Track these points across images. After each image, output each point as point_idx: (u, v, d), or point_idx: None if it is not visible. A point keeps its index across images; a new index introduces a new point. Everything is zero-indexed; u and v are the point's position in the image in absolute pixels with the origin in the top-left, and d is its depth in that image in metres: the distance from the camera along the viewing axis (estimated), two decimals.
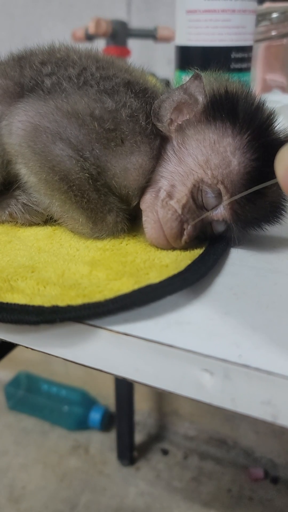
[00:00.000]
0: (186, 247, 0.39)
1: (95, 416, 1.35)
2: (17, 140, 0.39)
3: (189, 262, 0.36)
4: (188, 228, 0.38)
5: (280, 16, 0.77)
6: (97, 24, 0.93)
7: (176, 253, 0.39)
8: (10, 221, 0.43)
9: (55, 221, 0.42)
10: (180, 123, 0.39)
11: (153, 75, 0.88)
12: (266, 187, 0.37)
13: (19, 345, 0.33)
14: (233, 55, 0.60)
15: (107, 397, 1.38)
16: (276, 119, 0.39)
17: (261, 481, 1.22)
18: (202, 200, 0.38)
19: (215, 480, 1.23)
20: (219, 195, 0.38)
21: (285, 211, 0.40)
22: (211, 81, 0.40)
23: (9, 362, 1.38)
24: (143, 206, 0.40)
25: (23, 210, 0.42)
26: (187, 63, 0.62)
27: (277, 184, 0.37)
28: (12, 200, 0.43)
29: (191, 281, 0.33)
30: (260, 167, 0.37)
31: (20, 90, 0.42)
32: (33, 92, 0.42)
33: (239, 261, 0.38)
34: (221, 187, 0.37)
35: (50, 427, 1.40)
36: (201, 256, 0.37)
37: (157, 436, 1.37)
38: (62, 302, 0.31)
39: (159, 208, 0.38)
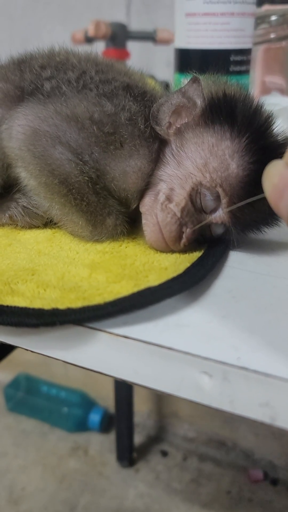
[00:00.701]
0: (185, 250, 0.39)
1: (95, 417, 1.35)
2: (17, 144, 0.39)
3: (188, 265, 0.36)
4: (187, 231, 0.38)
5: (279, 19, 0.77)
6: (96, 26, 0.93)
7: (175, 255, 0.39)
8: (10, 224, 0.44)
9: (55, 224, 0.43)
10: (178, 126, 0.40)
11: (153, 77, 0.88)
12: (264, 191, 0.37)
13: (19, 347, 0.33)
14: (232, 57, 0.61)
15: (107, 398, 1.38)
16: (274, 122, 0.39)
17: (261, 483, 1.22)
18: (201, 203, 0.38)
19: (215, 481, 1.23)
20: (217, 198, 0.38)
21: None
22: (210, 84, 0.41)
23: (8, 364, 1.38)
24: (142, 209, 0.40)
25: (23, 213, 0.43)
26: (186, 66, 0.63)
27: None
28: (12, 203, 0.43)
29: (190, 284, 0.33)
30: (259, 170, 0.37)
31: (20, 94, 0.42)
32: (33, 96, 0.42)
33: (238, 264, 0.38)
34: (219, 190, 0.37)
35: (49, 429, 1.40)
36: (199, 259, 0.37)
37: (157, 438, 1.37)
38: (62, 305, 0.31)
39: (159, 212, 0.39)
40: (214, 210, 0.38)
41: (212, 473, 1.26)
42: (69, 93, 0.41)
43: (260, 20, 0.77)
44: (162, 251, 0.39)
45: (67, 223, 0.41)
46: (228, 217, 0.38)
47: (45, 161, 0.38)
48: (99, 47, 0.97)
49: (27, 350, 0.33)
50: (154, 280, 0.34)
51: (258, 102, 0.40)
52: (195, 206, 0.38)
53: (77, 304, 0.31)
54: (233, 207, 0.37)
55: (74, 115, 0.39)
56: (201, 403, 0.28)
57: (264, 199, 0.38)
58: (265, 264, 0.38)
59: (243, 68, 0.62)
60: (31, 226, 0.44)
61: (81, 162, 0.38)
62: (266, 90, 0.80)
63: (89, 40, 0.97)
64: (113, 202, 0.40)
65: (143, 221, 0.40)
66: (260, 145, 0.37)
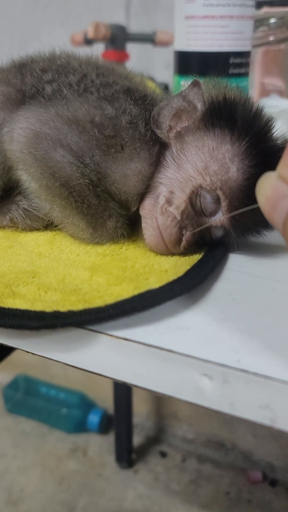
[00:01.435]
0: (185, 253, 0.39)
1: (94, 418, 1.36)
2: (18, 147, 0.39)
3: (188, 267, 0.36)
4: (187, 234, 0.38)
5: (278, 22, 0.78)
6: (96, 28, 0.93)
7: (175, 258, 0.39)
8: (11, 226, 0.44)
9: (56, 226, 0.43)
10: (179, 130, 0.40)
11: (152, 79, 0.89)
12: None
13: (19, 349, 0.33)
14: (232, 60, 0.61)
15: (106, 399, 1.38)
16: (274, 125, 0.40)
17: (260, 484, 1.23)
18: (201, 206, 0.38)
19: (214, 482, 1.23)
20: (217, 201, 0.38)
21: None
22: (210, 88, 0.41)
23: (7, 365, 1.38)
24: (142, 212, 0.40)
25: (24, 216, 0.43)
26: (186, 68, 0.63)
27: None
28: (13, 206, 0.43)
29: (190, 287, 0.33)
30: (259, 173, 0.37)
31: (21, 97, 0.42)
32: (34, 99, 0.42)
33: (238, 266, 0.38)
34: (219, 193, 0.38)
35: (48, 430, 1.40)
36: (200, 262, 0.37)
37: (156, 439, 1.37)
38: (63, 308, 0.31)
39: (159, 215, 0.39)
40: (213, 213, 0.39)
41: (211, 474, 1.26)
42: (70, 97, 0.41)
43: (259, 22, 0.77)
44: (162, 254, 0.39)
45: (67, 226, 0.41)
46: (228, 220, 0.38)
47: (46, 163, 0.39)
48: (98, 49, 0.97)
49: (28, 352, 0.33)
50: (154, 282, 0.34)
51: (258, 105, 0.40)
52: (195, 209, 0.39)
53: (78, 306, 0.31)
54: (234, 213, 0.37)
55: (75, 118, 0.39)
56: (202, 405, 0.28)
57: None
58: (265, 267, 0.38)
59: (242, 70, 0.63)
60: (31, 229, 0.44)
61: (82, 165, 0.39)
62: (265, 92, 0.80)
63: (88, 42, 0.97)
64: (113, 205, 0.40)
65: (143, 225, 0.40)
66: (260, 148, 0.37)
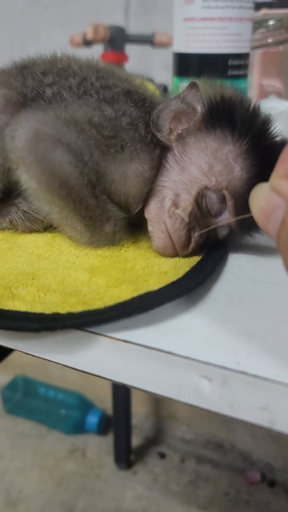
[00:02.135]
0: (187, 254, 0.39)
1: (92, 419, 1.36)
2: (19, 147, 0.40)
3: (187, 269, 0.36)
4: (195, 236, 0.39)
5: (276, 24, 0.78)
6: (95, 29, 0.93)
7: (175, 260, 0.39)
8: (11, 228, 0.44)
9: (55, 228, 0.43)
10: (179, 132, 0.40)
11: (151, 80, 0.89)
12: None
13: (19, 351, 0.33)
14: (230, 62, 0.61)
15: (104, 400, 1.38)
16: (272, 122, 0.40)
17: (258, 485, 1.23)
18: (207, 206, 0.39)
19: (212, 483, 1.23)
20: (223, 200, 0.38)
21: None
22: (206, 88, 0.41)
23: (6, 366, 1.38)
24: (148, 216, 0.40)
25: (23, 217, 0.43)
26: (184, 70, 0.63)
27: None
28: (13, 208, 0.43)
29: (189, 288, 0.33)
30: (261, 171, 0.37)
31: (23, 100, 0.42)
32: (35, 102, 0.42)
33: (237, 269, 0.39)
34: (225, 192, 0.38)
35: (47, 431, 1.40)
36: (199, 263, 0.38)
37: (154, 440, 1.37)
38: (62, 309, 0.31)
39: (167, 218, 0.39)
40: (220, 213, 0.39)
41: (210, 475, 1.26)
42: (69, 99, 0.41)
43: (258, 24, 0.77)
44: (168, 256, 0.39)
45: (66, 228, 0.41)
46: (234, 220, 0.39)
47: (46, 163, 0.39)
48: (97, 51, 0.98)
49: (27, 354, 0.33)
50: (154, 284, 0.34)
51: (255, 104, 0.40)
52: (201, 210, 0.39)
53: (77, 308, 0.31)
54: (241, 217, 0.37)
55: (73, 118, 0.39)
56: (201, 407, 0.28)
57: None
58: (264, 270, 0.38)
59: (241, 72, 0.63)
60: (31, 231, 0.44)
61: (81, 164, 0.39)
62: (264, 94, 0.80)
63: (87, 43, 0.97)
64: (112, 207, 0.40)
65: (150, 228, 0.40)
66: (260, 147, 0.38)
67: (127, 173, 0.40)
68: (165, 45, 1.00)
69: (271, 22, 0.78)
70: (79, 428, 1.37)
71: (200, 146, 0.39)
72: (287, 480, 1.24)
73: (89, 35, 0.94)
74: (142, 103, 0.42)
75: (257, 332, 0.30)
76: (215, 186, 0.38)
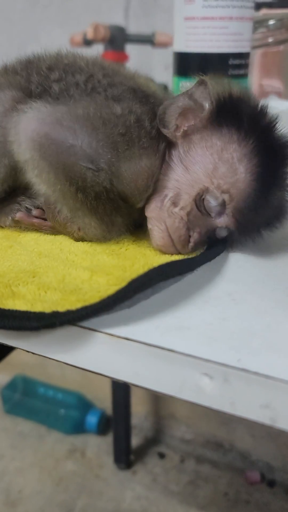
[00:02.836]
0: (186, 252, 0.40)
1: (92, 419, 1.35)
2: (28, 151, 0.38)
3: None
4: (194, 235, 0.39)
5: (277, 23, 0.78)
6: (95, 29, 0.93)
7: (174, 258, 0.39)
8: (15, 226, 0.44)
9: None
10: (185, 129, 0.40)
11: (151, 80, 0.89)
12: (269, 195, 0.37)
13: (19, 349, 0.33)
14: (231, 61, 0.61)
15: (104, 400, 1.38)
16: (278, 123, 0.40)
17: (258, 485, 1.23)
18: (205, 207, 0.38)
19: (212, 483, 1.23)
20: (223, 202, 0.38)
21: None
22: (214, 86, 0.41)
23: (5, 365, 1.38)
24: (149, 214, 0.40)
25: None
26: (185, 69, 0.63)
27: (281, 190, 0.38)
28: (16, 206, 0.43)
29: (170, 274, 0.34)
30: (265, 172, 0.37)
31: (28, 97, 0.42)
32: (41, 98, 0.41)
33: (238, 267, 0.39)
34: (225, 196, 0.38)
35: (46, 431, 1.40)
36: (194, 257, 0.38)
37: (154, 440, 1.37)
38: (62, 308, 0.31)
39: (167, 218, 0.39)
40: (219, 214, 0.39)
41: (209, 475, 1.26)
42: (77, 96, 0.41)
43: (258, 24, 0.77)
44: (168, 254, 0.40)
45: (77, 222, 0.41)
46: (232, 221, 0.39)
47: (62, 168, 0.38)
48: (97, 50, 0.97)
49: (28, 352, 0.33)
50: None
51: (262, 103, 0.40)
52: (200, 210, 0.39)
53: (77, 306, 0.31)
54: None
55: (85, 116, 0.39)
56: (202, 405, 0.28)
57: (268, 203, 0.38)
58: (265, 268, 0.38)
59: (242, 71, 0.63)
60: (35, 228, 0.44)
61: (96, 169, 0.38)
62: (264, 93, 0.81)
63: (87, 43, 0.97)
64: (122, 204, 0.40)
65: (149, 226, 0.40)
66: (266, 146, 0.38)
67: (137, 169, 0.39)
68: (165, 45, 1.00)
69: (271, 22, 0.78)
70: (78, 428, 1.36)
71: (205, 145, 0.39)
72: (286, 480, 1.23)
73: (89, 35, 0.94)
74: (146, 100, 0.41)
75: (258, 329, 0.30)
76: (216, 188, 0.38)
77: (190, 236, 0.39)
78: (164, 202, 0.39)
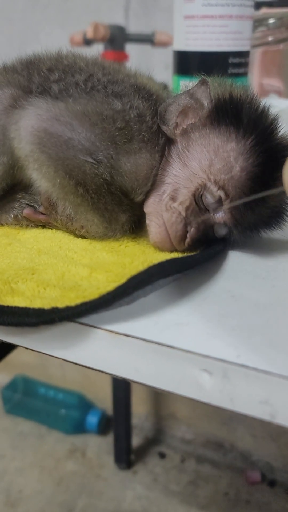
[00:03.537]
0: (186, 250, 0.39)
1: (92, 419, 1.35)
2: (28, 145, 0.39)
3: None
4: (191, 231, 0.39)
5: (277, 22, 0.78)
6: (95, 29, 0.93)
7: (173, 255, 0.39)
8: (16, 224, 0.44)
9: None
10: (185, 127, 0.40)
11: (152, 79, 0.89)
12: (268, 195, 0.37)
13: (19, 346, 0.33)
14: (231, 60, 0.61)
15: (104, 400, 1.38)
16: (280, 124, 0.40)
17: (258, 485, 1.23)
18: (203, 202, 0.38)
19: (212, 483, 1.23)
20: (220, 199, 0.38)
21: (287, 216, 0.41)
22: (216, 86, 0.41)
23: (6, 366, 1.38)
24: (147, 209, 0.40)
25: None
26: (185, 68, 0.63)
27: (279, 190, 0.38)
28: (16, 203, 0.43)
29: (170, 271, 0.34)
30: (262, 172, 0.37)
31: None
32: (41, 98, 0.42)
33: (237, 264, 0.39)
34: (221, 193, 0.38)
35: (47, 431, 1.40)
36: (193, 254, 0.38)
37: (154, 440, 1.37)
38: (61, 304, 0.31)
39: (164, 212, 0.39)
40: (217, 210, 0.39)
41: (210, 475, 1.26)
42: (76, 95, 0.41)
43: (258, 23, 0.77)
44: (166, 251, 0.40)
45: (80, 221, 0.41)
46: (229, 218, 0.38)
47: (61, 162, 0.38)
48: (97, 50, 0.98)
49: (27, 349, 0.33)
50: None
51: (264, 104, 0.40)
52: (199, 206, 0.39)
53: (77, 302, 0.31)
54: (232, 204, 0.37)
55: (84, 111, 0.39)
56: (201, 401, 0.28)
57: (265, 202, 0.38)
58: (264, 265, 0.38)
59: (241, 70, 0.63)
60: (35, 225, 0.44)
61: (95, 162, 0.38)
62: (264, 92, 0.81)
63: (87, 42, 0.97)
64: (124, 199, 0.40)
65: (147, 221, 0.40)
66: (265, 147, 0.38)
67: (136, 162, 0.39)
68: (165, 44, 1.00)
69: (271, 21, 0.78)
70: (79, 428, 1.36)
71: (203, 142, 0.39)
72: (287, 480, 1.23)
73: (89, 34, 0.94)
74: (149, 97, 0.42)
75: (258, 326, 0.30)
76: (213, 183, 0.38)
77: (187, 232, 0.39)
78: (163, 197, 0.39)
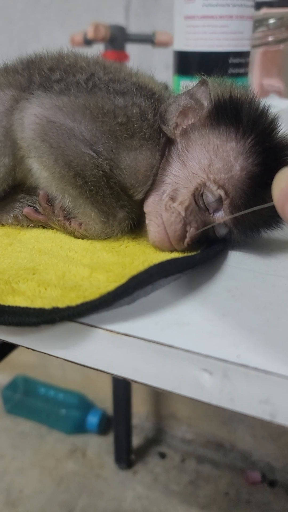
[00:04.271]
0: (183, 250, 0.39)
1: (93, 419, 1.35)
2: (30, 134, 0.39)
3: None
4: (191, 231, 0.39)
5: (277, 22, 0.78)
6: (95, 29, 0.93)
7: (174, 255, 0.39)
8: (16, 224, 0.44)
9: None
10: (185, 127, 0.40)
11: (153, 78, 0.89)
12: (267, 194, 0.37)
13: (19, 346, 0.33)
14: (231, 60, 0.61)
15: (105, 400, 1.38)
16: (279, 124, 0.40)
17: (259, 485, 1.23)
18: (204, 202, 0.39)
19: (213, 483, 1.23)
20: (220, 198, 0.38)
21: None
22: (216, 86, 0.41)
23: (6, 366, 1.38)
24: (146, 209, 0.40)
25: None
26: (185, 68, 0.63)
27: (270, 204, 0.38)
28: (17, 204, 0.43)
29: (170, 271, 0.34)
30: (262, 172, 0.37)
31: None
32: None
33: (237, 263, 0.39)
34: (221, 192, 0.38)
35: (47, 431, 1.40)
36: (193, 254, 0.38)
37: (155, 440, 1.37)
38: (62, 304, 0.31)
39: (163, 211, 0.39)
40: (217, 210, 0.39)
41: (210, 475, 1.26)
42: (78, 94, 0.41)
43: (258, 23, 0.77)
44: (165, 250, 0.40)
45: (78, 216, 0.41)
46: (230, 218, 0.39)
47: (62, 152, 0.38)
48: (98, 50, 0.98)
49: (28, 348, 0.33)
50: None
51: (263, 104, 0.40)
52: (198, 206, 0.39)
53: (77, 302, 0.31)
54: (236, 214, 0.38)
55: (87, 105, 0.39)
56: (202, 401, 0.28)
57: (264, 203, 0.38)
58: (264, 263, 0.38)
59: (242, 70, 0.63)
60: (36, 225, 0.44)
61: (95, 154, 0.39)
62: (264, 92, 0.81)
63: (88, 42, 0.97)
64: (124, 196, 0.40)
65: (147, 221, 0.40)
66: (264, 147, 0.38)
67: (136, 158, 0.40)
68: (166, 44, 1.00)
69: (271, 21, 0.78)
70: (79, 428, 1.37)
71: (203, 142, 0.39)
72: (287, 480, 1.23)
73: (90, 34, 0.94)
74: (150, 96, 0.42)
75: (258, 325, 0.30)
76: (213, 183, 0.38)
77: (186, 232, 0.39)
78: (163, 197, 0.40)
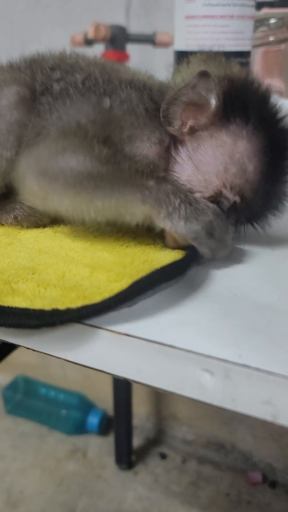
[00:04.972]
0: (183, 248, 0.39)
1: (93, 420, 1.35)
2: (34, 187, 0.38)
3: None
4: None
5: (278, 22, 0.78)
6: (96, 29, 0.93)
7: (174, 254, 0.39)
8: (15, 225, 0.44)
9: (55, 223, 0.43)
10: (192, 125, 0.39)
11: (151, 76, 0.89)
12: (276, 186, 0.38)
13: (20, 346, 0.33)
14: (232, 60, 0.61)
15: (105, 401, 1.38)
16: (281, 110, 0.40)
17: (260, 485, 1.22)
18: (219, 205, 0.39)
19: (214, 484, 1.23)
20: (235, 203, 0.39)
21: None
22: (213, 71, 0.40)
23: (7, 366, 1.38)
24: None
25: (28, 213, 0.43)
26: None
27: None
28: (17, 204, 0.43)
29: (172, 274, 0.33)
30: (275, 167, 0.38)
31: (33, 95, 0.43)
32: (43, 96, 0.43)
33: (239, 262, 0.38)
34: (237, 198, 0.38)
35: (48, 431, 1.39)
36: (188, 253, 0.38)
37: (155, 440, 1.37)
38: (62, 305, 0.31)
39: None
40: (230, 212, 0.39)
41: (211, 475, 1.25)
42: (74, 97, 0.42)
43: (259, 23, 0.77)
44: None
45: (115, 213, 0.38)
46: (242, 216, 0.39)
47: (76, 195, 0.37)
48: (98, 50, 0.98)
49: (28, 349, 0.33)
50: None
51: (265, 89, 0.40)
52: None
53: (78, 303, 0.31)
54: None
55: (67, 143, 0.38)
56: (203, 401, 0.28)
57: (273, 196, 0.39)
58: (267, 264, 0.38)
59: None
60: (36, 226, 0.44)
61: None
62: None
63: (88, 42, 0.97)
64: (141, 166, 0.38)
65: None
66: (275, 143, 0.38)
67: (138, 152, 0.40)
68: (166, 44, 1.00)
69: (272, 21, 0.78)
70: (80, 428, 1.36)
71: (215, 144, 0.39)
72: None
73: (90, 35, 0.94)
74: (143, 87, 0.42)
75: (260, 325, 0.30)
76: (229, 190, 0.38)
77: None
78: None
